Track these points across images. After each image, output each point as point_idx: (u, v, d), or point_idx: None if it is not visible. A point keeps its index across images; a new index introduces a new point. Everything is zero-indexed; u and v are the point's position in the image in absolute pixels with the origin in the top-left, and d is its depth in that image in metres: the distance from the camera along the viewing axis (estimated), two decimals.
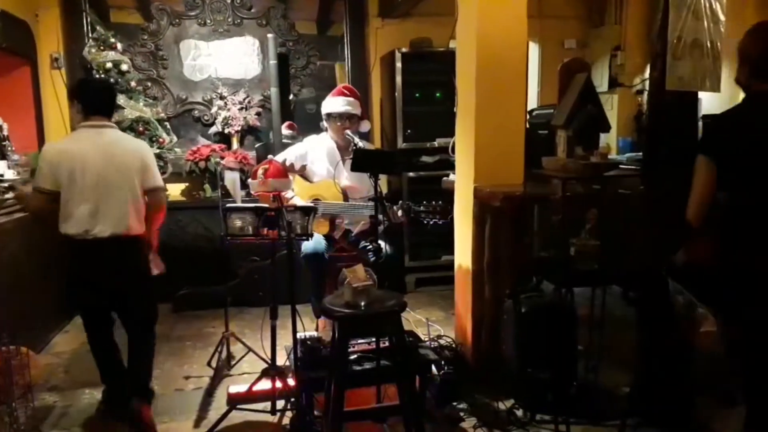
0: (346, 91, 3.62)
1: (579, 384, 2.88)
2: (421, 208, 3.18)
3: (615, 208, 2.92)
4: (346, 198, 3.47)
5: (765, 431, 2.15)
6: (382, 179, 5.08)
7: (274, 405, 2.77)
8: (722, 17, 2.64)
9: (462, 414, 2.87)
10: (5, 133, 4.00)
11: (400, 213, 3.22)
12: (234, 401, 2.85)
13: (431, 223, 3.13)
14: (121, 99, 4.61)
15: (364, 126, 3.70)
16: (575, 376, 2.87)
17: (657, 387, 2.68)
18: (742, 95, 6.56)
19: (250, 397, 2.83)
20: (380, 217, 2.79)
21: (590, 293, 2.84)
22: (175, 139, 4.90)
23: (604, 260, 2.74)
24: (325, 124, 3.66)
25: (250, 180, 2.95)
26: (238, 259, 4.49)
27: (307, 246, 3.28)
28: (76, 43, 4.71)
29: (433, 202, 3.15)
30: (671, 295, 2.56)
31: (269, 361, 2.81)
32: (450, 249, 3.56)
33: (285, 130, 4.81)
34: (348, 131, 3.44)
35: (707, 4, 2.60)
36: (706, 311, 2.49)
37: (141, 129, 4.66)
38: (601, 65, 5.74)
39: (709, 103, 5.06)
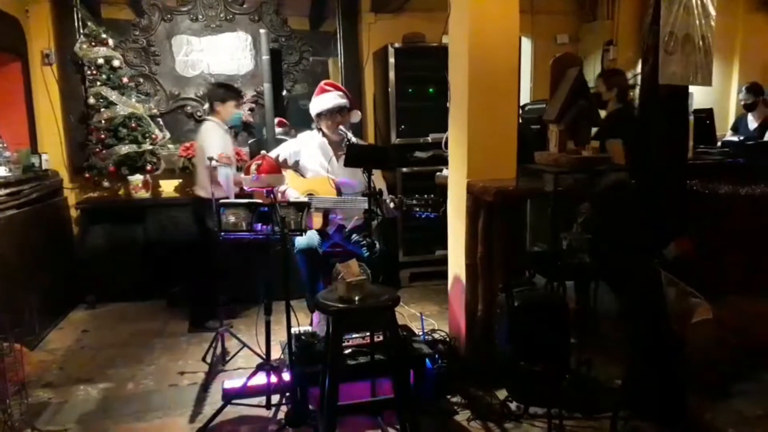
0: (329, 87, 3.57)
1: (572, 377, 2.90)
2: (414, 201, 3.19)
3: (607, 201, 2.94)
4: (339, 194, 3.47)
5: None
6: (376, 174, 5.12)
7: (269, 400, 2.79)
8: (713, 12, 2.65)
9: (456, 407, 2.89)
10: None
11: (392, 205, 3.24)
12: (229, 396, 2.85)
13: (423, 216, 3.14)
14: (112, 95, 4.60)
15: (355, 116, 3.66)
16: (568, 369, 2.89)
17: (649, 379, 2.71)
18: (734, 90, 6.56)
19: (245, 392, 2.84)
20: (374, 210, 2.79)
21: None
22: (168, 135, 4.89)
23: (596, 254, 2.76)
24: (315, 125, 3.63)
25: (243, 175, 2.95)
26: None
27: (300, 241, 3.28)
28: (67, 39, 4.69)
29: (426, 196, 3.16)
30: (663, 287, 2.58)
31: (264, 356, 2.82)
32: (444, 244, 3.57)
33: (276, 128, 4.81)
34: (341, 126, 3.44)
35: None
36: (700, 300, 2.52)
37: (133, 125, 4.64)
38: (593, 60, 5.77)
39: (701, 97, 5.11)
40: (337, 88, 3.57)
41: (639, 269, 2.68)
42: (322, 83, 3.65)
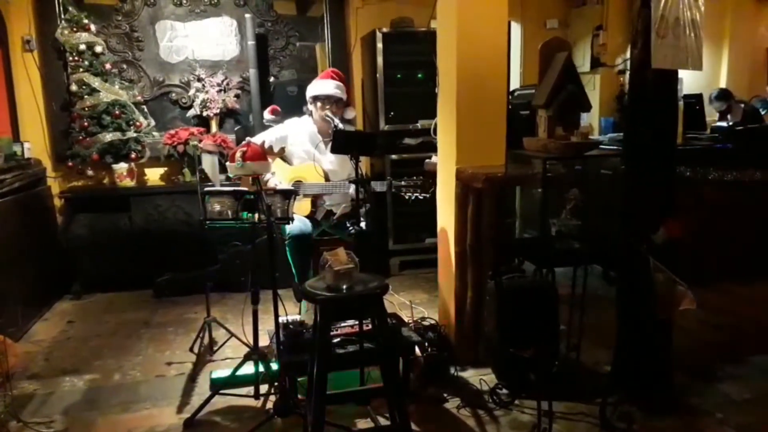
0: (334, 75, 3.56)
1: (561, 363, 2.90)
2: (402, 182, 3.17)
3: (596, 187, 2.93)
4: (328, 180, 3.44)
5: None
6: (365, 162, 5.07)
7: (257, 389, 2.77)
8: None
9: (445, 395, 2.88)
10: None
11: (377, 187, 3.24)
12: (217, 386, 2.84)
13: (413, 198, 3.12)
14: (95, 82, 4.52)
15: (349, 113, 3.65)
16: (557, 355, 2.89)
17: (637, 364, 2.71)
18: (724, 74, 6.58)
19: (233, 381, 2.81)
20: (361, 192, 2.78)
21: (571, 273, 2.86)
22: (152, 122, 4.81)
23: (585, 240, 2.75)
24: (309, 107, 3.59)
25: (228, 163, 2.90)
26: (219, 244, 4.45)
27: (293, 228, 3.24)
28: (48, 24, 4.59)
29: (414, 177, 3.13)
30: (651, 273, 2.58)
31: (251, 346, 2.79)
32: (433, 232, 3.55)
33: (268, 115, 4.73)
34: (328, 112, 3.40)
35: None
36: (685, 288, 2.52)
37: (117, 112, 4.56)
38: (583, 45, 5.75)
39: (691, 83, 5.11)
40: (342, 80, 3.54)
41: (628, 254, 2.68)
42: (329, 69, 3.63)
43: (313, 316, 2.37)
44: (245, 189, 2.74)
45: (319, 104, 3.49)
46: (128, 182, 4.70)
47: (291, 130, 3.61)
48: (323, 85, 3.49)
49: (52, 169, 4.76)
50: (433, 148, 3.56)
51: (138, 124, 4.67)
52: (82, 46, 4.50)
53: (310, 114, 3.58)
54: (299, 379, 2.64)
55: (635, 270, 2.65)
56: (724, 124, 4.87)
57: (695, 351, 3.21)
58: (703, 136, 4.63)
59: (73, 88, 4.54)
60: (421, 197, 3.12)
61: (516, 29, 5.69)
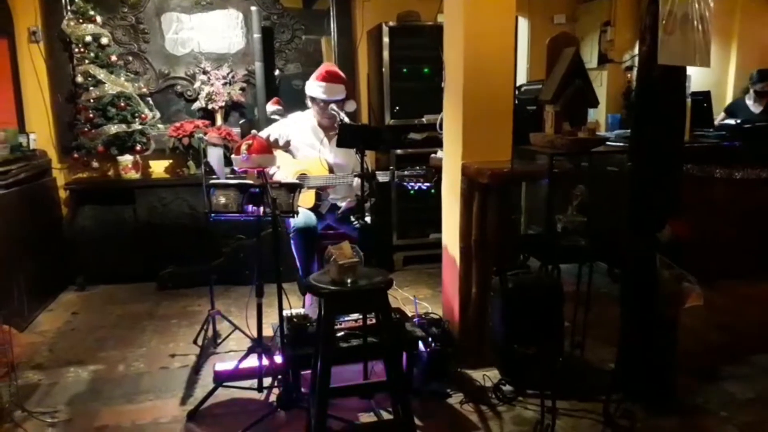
0: (334, 78, 3.48)
1: (565, 360, 2.90)
2: (405, 172, 3.16)
3: (602, 184, 2.92)
4: (332, 173, 3.43)
5: None
6: (370, 156, 5.07)
7: (260, 382, 2.77)
8: None
9: (449, 390, 2.88)
10: None
11: (381, 177, 3.25)
12: (220, 379, 2.84)
13: (416, 187, 3.11)
14: (101, 74, 4.52)
15: (350, 106, 3.62)
16: (561, 352, 2.88)
17: (641, 362, 2.70)
18: (731, 73, 6.49)
19: (236, 374, 2.82)
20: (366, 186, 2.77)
21: (576, 270, 2.85)
22: (158, 115, 4.82)
23: (591, 236, 2.74)
24: (309, 103, 3.59)
25: (233, 156, 2.90)
26: (224, 237, 4.45)
27: (297, 221, 3.24)
28: (54, 16, 4.58)
29: (417, 167, 3.12)
30: (656, 270, 2.57)
31: (255, 339, 2.79)
32: (438, 227, 3.54)
33: (271, 107, 4.73)
34: (333, 105, 3.39)
35: None
36: (693, 284, 2.50)
37: (122, 104, 4.56)
38: (590, 41, 5.72)
39: (699, 80, 5.07)
40: (341, 81, 3.49)
41: (633, 251, 2.67)
42: (326, 68, 3.54)
43: (317, 310, 2.37)
44: (250, 182, 2.74)
45: (316, 104, 3.49)
46: (133, 174, 4.71)
47: (294, 124, 3.61)
48: (319, 90, 3.44)
49: (58, 160, 4.77)
50: (438, 143, 3.55)
51: (143, 116, 4.67)
52: (88, 38, 4.50)
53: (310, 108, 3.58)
54: (303, 373, 2.65)
55: (640, 268, 2.64)
56: (731, 121, 4.83)
57: (699, 350, 3.20)
58: (710, 134, 4.60)
59: (79, 79, 4.54)
60: (425, 186, 3.10)
61: (523, 24, 5.66)
